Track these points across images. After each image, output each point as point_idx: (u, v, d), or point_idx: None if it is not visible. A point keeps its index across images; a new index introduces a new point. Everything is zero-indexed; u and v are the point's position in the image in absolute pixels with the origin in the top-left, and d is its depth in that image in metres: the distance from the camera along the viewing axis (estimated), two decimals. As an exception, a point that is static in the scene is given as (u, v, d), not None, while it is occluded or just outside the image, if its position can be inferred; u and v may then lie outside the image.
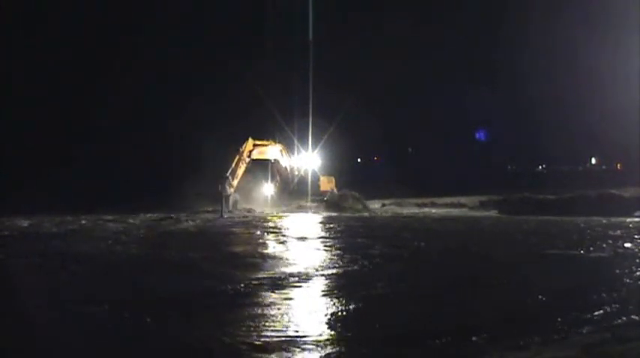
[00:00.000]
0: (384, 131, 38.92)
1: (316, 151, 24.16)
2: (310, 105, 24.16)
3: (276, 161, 23.57)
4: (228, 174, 20.90)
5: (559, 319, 3.82)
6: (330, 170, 24.90)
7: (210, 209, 18.95)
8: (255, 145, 22.25)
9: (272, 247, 8.71)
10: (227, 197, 20.06)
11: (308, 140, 23.87)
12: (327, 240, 9.63)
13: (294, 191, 23.28)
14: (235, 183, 20.97)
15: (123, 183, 23.02)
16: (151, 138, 28.57)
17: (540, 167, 44.83)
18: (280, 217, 17.25)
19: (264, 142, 22.75)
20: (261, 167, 23.28)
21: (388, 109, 41.45)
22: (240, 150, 21.45)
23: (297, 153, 24.18)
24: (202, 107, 31.07)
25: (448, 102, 45.30)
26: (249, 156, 21.83)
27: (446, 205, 21.72)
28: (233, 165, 21.18)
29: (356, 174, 29.14)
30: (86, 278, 5.93)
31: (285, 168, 23.74)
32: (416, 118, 43.00)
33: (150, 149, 27.83)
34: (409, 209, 20.87)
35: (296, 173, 24.01)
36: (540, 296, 4.69)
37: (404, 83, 41.58)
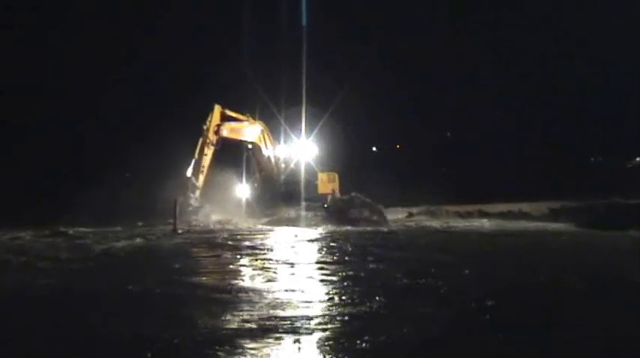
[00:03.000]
0: (411, 108, 39.01)
1: (312, 137, 24.15)
2: (303, 76, 24.23)
3: (255, 148, 23.49)
4: (189, 173, 20.66)
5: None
6: (333, 164, 24.97)
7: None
8: (224, 118, 21.99)
9: (248, 277, 8.75)
10: (194, 209, 19.93)
11: (300, 121, 23.90)
12: (327, 266, 9.67)
13: (279, 193, 23.28)
14: (201, 180, 20.83)
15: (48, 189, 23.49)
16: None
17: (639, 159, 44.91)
18: (260, 232, 17.26)
19: (239, 116, 22.60)
20: (230, 157, 23.19)
21: (419, 76, 41.58)
22: (205, 126, 21.23)
23: (285, 141, 24.15)
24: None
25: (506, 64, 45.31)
26: (216, 134, 21.56)
27: (501, 215, 21.81)
28: (196, 154, 21.00)
29: (370, 170, 29.22)
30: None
31: (268, 158, 23.70)
32: (455, 87, 43.08)
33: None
34: (447, 220, 20.94)
35: (283, 166, 23.95)
36: None
37: (440, 45, 41.91)
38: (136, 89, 36.37)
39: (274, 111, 24.09)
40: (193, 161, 20.91)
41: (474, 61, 44.61)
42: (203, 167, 20.96)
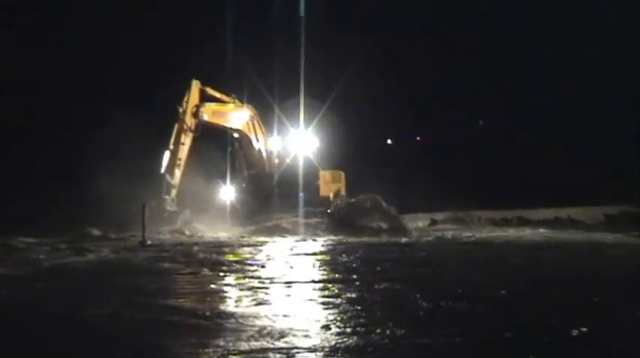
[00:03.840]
0: (436, 92, 39.19)
1: (311, 128, 24.15)
2: (302, 55, 24.29)
3: (242, 138, 23.43)
4: (164, 168, 20.48)
5: None
6: (338, 160, 25.01)
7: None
8: (205, 97, 21.72)
9: (234, 300, 8.76)
10: (171, 215, 19.84)
11: (298, 110, 23.91)
12: (331, 285, 9.69)
13: (272, 196, 23.31)
14: (178, 176, 20.69)
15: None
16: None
17: None
18: (248, 244, 17.28)
19: (224, 97, 22.45)
20: (212, 151, 23.15)
21: (441, 58, 41.92)
22: (181, 109, 20.98)
23: (279, 132, 24.18)
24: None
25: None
26: (195, 118, 21.28)
27: (545, 223, 21.87)
28: (170, 145, 20.83)
29: (383, 167, 29.24)
30: None
31: (259, 152, 23.70)
32: (490, 70, 43.26)
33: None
34: (479, 229, 20.98)
35: (276, 162, 23.97)
36: None
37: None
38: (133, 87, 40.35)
39: (268, 98, 24.13)
40: (167, 153, 20.70)
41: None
42: (180, 160, 20.77)
